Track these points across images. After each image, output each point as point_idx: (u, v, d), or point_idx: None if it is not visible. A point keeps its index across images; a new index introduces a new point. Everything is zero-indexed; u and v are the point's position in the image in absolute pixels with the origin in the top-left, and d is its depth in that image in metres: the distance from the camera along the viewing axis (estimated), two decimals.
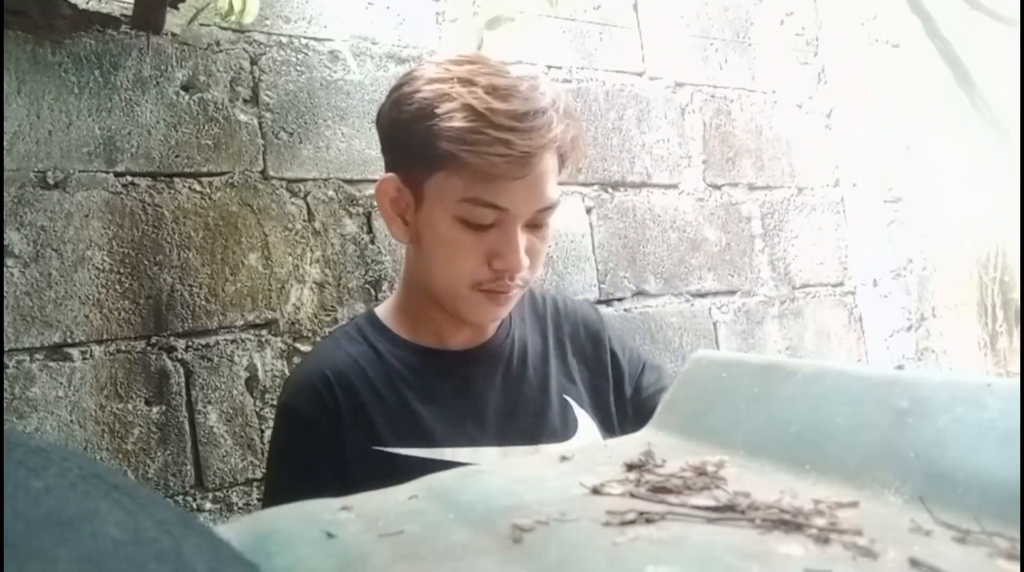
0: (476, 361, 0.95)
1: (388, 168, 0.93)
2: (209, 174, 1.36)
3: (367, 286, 1.47)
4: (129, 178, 1.29)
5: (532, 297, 1.05)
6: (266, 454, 1.01)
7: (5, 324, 1.16)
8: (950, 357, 2.26)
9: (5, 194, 1.19)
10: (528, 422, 0.94)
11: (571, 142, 0.88)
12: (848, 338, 2.13)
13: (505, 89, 0.83)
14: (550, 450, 0.74)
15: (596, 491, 0.39)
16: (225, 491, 1.30)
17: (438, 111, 0.82)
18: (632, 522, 0.34)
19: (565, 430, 0.95)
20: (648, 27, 1.93)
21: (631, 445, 0.49)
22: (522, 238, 0.85)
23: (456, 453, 0.87)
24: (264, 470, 0.96)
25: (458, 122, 0.81)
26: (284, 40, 1.45)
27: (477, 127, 0.80)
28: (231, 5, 1.27)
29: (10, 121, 1.20)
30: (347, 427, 0.87)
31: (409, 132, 0.86)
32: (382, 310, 0.99)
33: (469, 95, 0.82)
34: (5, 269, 1.18)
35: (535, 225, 0.87)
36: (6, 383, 1.15)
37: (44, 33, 1.24)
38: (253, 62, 1.42)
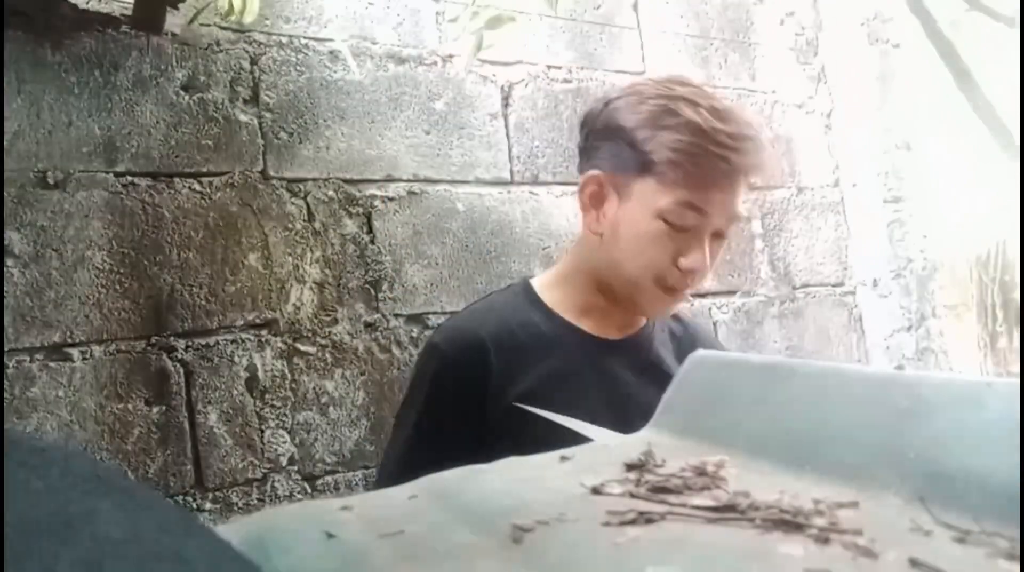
0: (618, 352, 1.03)
1: (590, 166, 1.02)
2: (209, 174, 1.36)
3: (367, 286, 1.47)
4: (129, 178, 1.29)
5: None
6: (408, 385, 1.08)
7: (5, 324, 1.16)
8: (950, 357, 2.26)
9: (5, 194, 1.19)
10: (647, 419, 0.98)
11: (760, 172, 0.98)
12: (848, 338, 2.13)
13: (726, 111, 0.94)
14: None
15: (596, 491, 0.39)
16: (225, 491, 1.30)
17: (664, 124, 0.93)
18: (632, 522, 0.34)
19: None
20: (648, 27, 1.93)
21: (631, 445, 0.49)
22: (708, 250, 0.95)
23: (589, 429, 0.89)
24: (400, 407, 1.05)
25: (684, 135, 0.91)
26: (284, 40, 1.45)
27: (701, 143, 0.90)
28: (231, 5, 1.27)
29: (10, 121, 1.20)
30: (493, 384, 0.95)
31: (630, 138, 0.95)
32: (539, 285, 1.07)
33: (694, 113, 0.92)
34: (5, 269, 1.18)
35: (718, 235, 0.97)
36: (6, 383, 1.15)
37: (44, 33, 1.24)
38: (253, 62, 1.42)
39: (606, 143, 0.99)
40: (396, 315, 1.48)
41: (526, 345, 0.98)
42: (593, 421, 0.91)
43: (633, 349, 1.04)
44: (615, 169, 0.98)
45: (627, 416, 0.96)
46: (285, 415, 1.36)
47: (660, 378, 1.04)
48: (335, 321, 1.43)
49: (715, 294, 1.91)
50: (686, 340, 1.12)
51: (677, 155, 0.91)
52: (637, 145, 0.94)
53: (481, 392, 0.96)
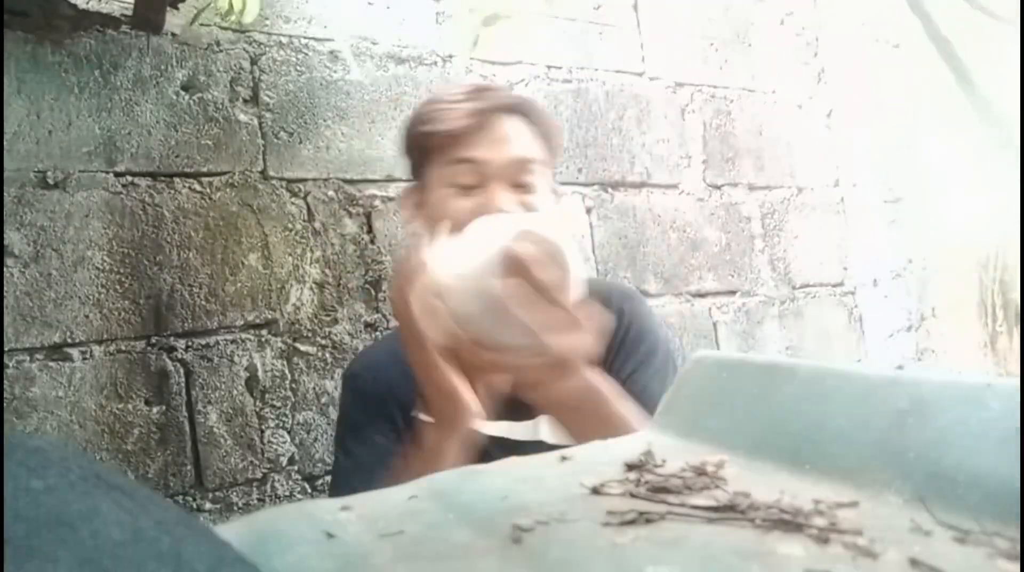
0: None
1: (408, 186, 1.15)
2: (209, 174, 1.36)
3: (367, 286, 1.47)
4: (129, 178, 1.29)
5: None
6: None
7: (5, 324, 1.16)
8: (950, 357, 2.26)
9: (5, 194, 1.19)
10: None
11: (528, 111, 1.05)
12: (848, 338, 2.13)
13: (456, 86, 1.11)
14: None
15: (596, 491, 0.39)
16: (225, 491, 1.30)
17: (420, 112, 1.07)
18: (632, 522, 0.34)
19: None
20: (648, 27, 1.93)
21: (631, 445, 0.49)
22: (506, 195, 1.00)
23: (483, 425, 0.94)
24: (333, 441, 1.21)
25: (429, 109, 1.05)
26: (284, 40, 1.45)
27: (439, 106, 1.03)
28: (231, 5, 1.27)
29: (10, 121, 1.20)
30: (397, 397, 1.04)
31: (409, 141, 1.10)
32: None
33: (430, 97, 1.08)
34: (5, 269, 1.18)
35: (519, 185, 1.01)
36: (6, 383, 1.15)
37: (44, 33, 1.24)
38: (253, 62, 1.42)
39: (407, 158, 1.13)
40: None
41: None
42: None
43: None
44: (414, 170, 1.11)
45: (507, 402, 0.97)
46: (285, 415, 1.36)
47: None
48: (335, 321, 1.43)
49: (715, 294, 1.91)
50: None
51: (430, 126, 1.03)
52: (415, 139, 1.08)
53: (378, 404, 1.06)
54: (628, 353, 1.07)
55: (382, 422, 1.04)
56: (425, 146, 1.05)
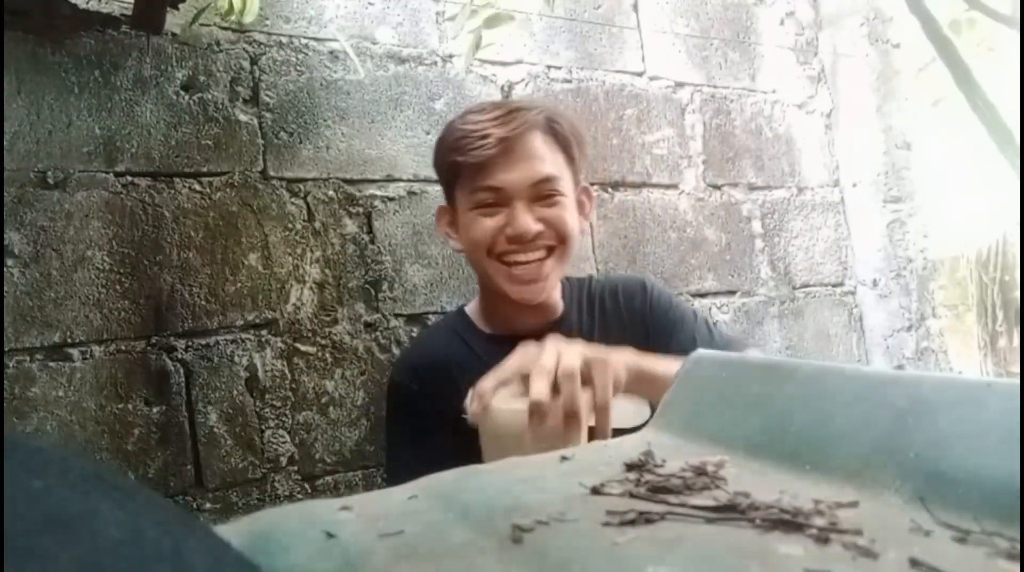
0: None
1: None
2: (209, 174, 1.36)
3: (367, 286, 1.47)
4: (129, 178, 1.29)
5: (589, 287, 1.24)
6: (384, 424, 1.28)
7: (5, 324, 1.16)
8: (950, 357, 2.26)
9: (5, 194, 1.19)
10: None
11: (552, 125, 1.08)
12: (848, 338, 2.13)
13: (486, 105, 1.09)
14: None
15: (596, 491, 0.39)
16: (225, 491, 1.30)
17: (449, 137, 1.10)
18: (632, 522, 0.34)
19: None
20: (648, 27, 1.93)
21: (631, 445, 0.49)
22: (529, 211, 1.04)
23: None
24: (384, 441, 1.27)
25: (456, 135, 1.07)
26: (284, 40, 1.45)
27: (466, 133, 1.05)
28: (231, 5, 1.27)
29: (10, 121, 1.20)
30: (441, 398, 1.05)
31: (439, 165, 1.15)
32: (470, 306, 1.24)
33: (459, 119, 1.10)
34: (5, 269, 1.18)
35: (542, 198, 1.06)
36: (6, 383, 1.15)
37: (44, 33, 1.24)
38: (253, 62, 1.42)
39: (438, 175, 1.19)
40: (396, 315, 1.48)
41: (459, 360, 1.12)
42: None
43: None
44: (446, 193, 1.17)
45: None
46: (285, 415, 1.36)
47: None
48: (335, 321, 1.42)
49: (715, 294, 1.91)
50: (609, 291, 1.20)
51: (456, 155, 1.07)
52: (443, 165, 1.13)
53: (423, 409, 1.11)
54: (660, 324, 1.16)
55: (432, 428, 1.09)
56: (453, 173, 1.11)
